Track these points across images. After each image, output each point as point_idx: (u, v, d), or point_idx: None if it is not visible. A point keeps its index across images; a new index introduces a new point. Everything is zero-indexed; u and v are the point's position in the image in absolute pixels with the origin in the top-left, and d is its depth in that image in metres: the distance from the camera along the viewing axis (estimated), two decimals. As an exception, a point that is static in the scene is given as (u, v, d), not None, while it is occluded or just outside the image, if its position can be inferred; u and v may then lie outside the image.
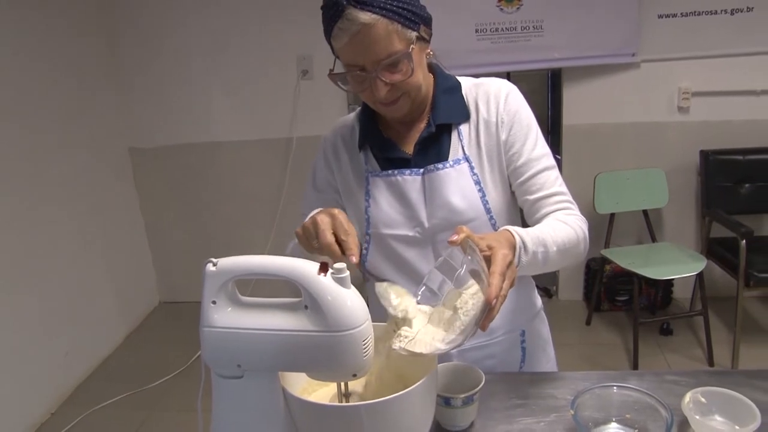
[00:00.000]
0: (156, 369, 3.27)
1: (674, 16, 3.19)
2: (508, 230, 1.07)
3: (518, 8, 3.19)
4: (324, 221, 1.00)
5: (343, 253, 0.98)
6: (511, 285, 0.96)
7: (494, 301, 0.90)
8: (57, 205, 3.15)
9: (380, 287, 1.00)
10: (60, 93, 3.21)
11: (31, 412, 2.88)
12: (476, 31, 3.24)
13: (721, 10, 3.14)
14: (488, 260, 0.95)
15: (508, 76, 3.39)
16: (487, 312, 0.90)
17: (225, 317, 0.88)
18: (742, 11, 3.13)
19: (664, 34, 3.22)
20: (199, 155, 3.80)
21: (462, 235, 0.94)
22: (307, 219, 1.07)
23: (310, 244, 1.03)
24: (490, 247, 0.96)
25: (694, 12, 3.17)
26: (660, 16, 3.20)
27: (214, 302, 0.88)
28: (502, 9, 3.20)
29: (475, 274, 0.93)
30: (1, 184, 2.79)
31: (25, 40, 2.96)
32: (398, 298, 0.99)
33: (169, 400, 3.05)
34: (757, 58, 3.21)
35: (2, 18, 2.82)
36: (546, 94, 4.10)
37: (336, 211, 1.02)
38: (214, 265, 0.88)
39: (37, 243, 2.99)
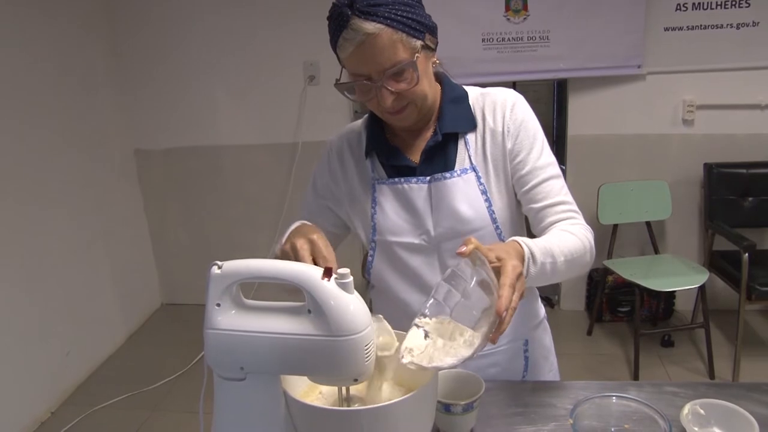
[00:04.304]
0: (157, 370, 3.28)
1: (680, 29, 3.20)
2: (516, 241, 1.07)
3: (525, 18, 3.21)
4: (303, 247, 1.01)
5: None
6: (521, 297, 0.96)
7: (504, 313, 0.89)
8: (61, 206, 3.17)
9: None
10: (65, 94, 3.22)
11: (31, 411, 2.89)
12: (483, 40, 3.26)
13: (727, 24, 3.16)
14: (497, 271, 0.95)
15: (514, 85, 3.39)
16: (497, 324, 0.90)
17: (229, 320, 0.89)
18: (747, 25, 3.14)
19: (670, 46, 3.23)
20: (204, 158, 3.82)
21: (470, 247, 0.94)
22: (285, 242, 1.08)
23: None
24: (499, 258, 0.96)
25: (700, 25, 3.18)
26: (666, 29, 3.21)
27: (218, 305, 0.89)
28: (509, 19, 3.21)
29: (484, 286, 0.93)
30: (7, 184, 2.81)
31: (30, 42, 2.98)
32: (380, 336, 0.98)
33: (169, 401, 3.06)
34: (762, 73, 3.22)
35: (6, 19, 2.84)
36: (552, 104, 4.11)
37: (315, 236, 1.03)
38: (219, 267, 0.89)
39: (40, 242, 3.00)
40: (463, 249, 0.94)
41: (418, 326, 0.97)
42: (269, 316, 0.89)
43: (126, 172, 3.81)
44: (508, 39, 3.24)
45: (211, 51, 3.60)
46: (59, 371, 3.10)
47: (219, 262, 0.89)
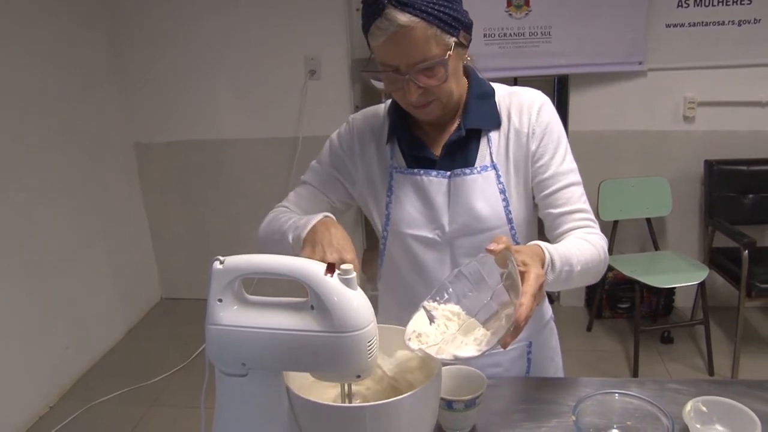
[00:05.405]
0: (156, 365, 3.27)
1: (682, 25, 3.19)
2: (539, 246, 1.06)
3: (527, 14, 3.20)
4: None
5: None
6: (537, 304, 0.95)
7: (524, 322, 0.89)
8: (61, 200, 3.16)
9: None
10: (65, 92, 3.20)
11: (29, 406, 2.89)
12: (484, 35, 3.24)
13: (729, 21, 3.15)
14: (521, 277, 0.94)
15: (515, 81, 3.39)
16: (512, 330, 0.89)
17: (231, 315, 0.89)
18: (749, 22, 3.13)
19: (671, 43, 3.22)
20: (204, 152, 3.80)
21: (501, 246, 0.92)
22: (308, 246, 1.07)
23: None
24: (524, 263, 0.95)
25: (702, 22, 3.17)
26: (668, 26, 3.20)
27: (220, 300, 0.89)
28: (510, 14, 3.21)
29: (508, 287, 0.93)
30: (7, 179, 2.79)
31: (30, 37, 2.96)
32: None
33: (168, 396, 3.06)
34: (763, 70, 3.21)
35: (7, 17, 2.82)
36: (553, 100, 4.09)
37: (348, 256, 1.03)
38: (221, 263, 0.89)
39: (40, 237, 2.99)
40: (493, 247, 0.92)
41: (426, 309, 0.97)
42: (272, 311, 0.89)
43: (126, 166, 3.79)
44: (510, 34, 3.24)
45: (211, 45, 3.59)
46: (58, 366, 3.09)
47: (221, 257, 0.89)
